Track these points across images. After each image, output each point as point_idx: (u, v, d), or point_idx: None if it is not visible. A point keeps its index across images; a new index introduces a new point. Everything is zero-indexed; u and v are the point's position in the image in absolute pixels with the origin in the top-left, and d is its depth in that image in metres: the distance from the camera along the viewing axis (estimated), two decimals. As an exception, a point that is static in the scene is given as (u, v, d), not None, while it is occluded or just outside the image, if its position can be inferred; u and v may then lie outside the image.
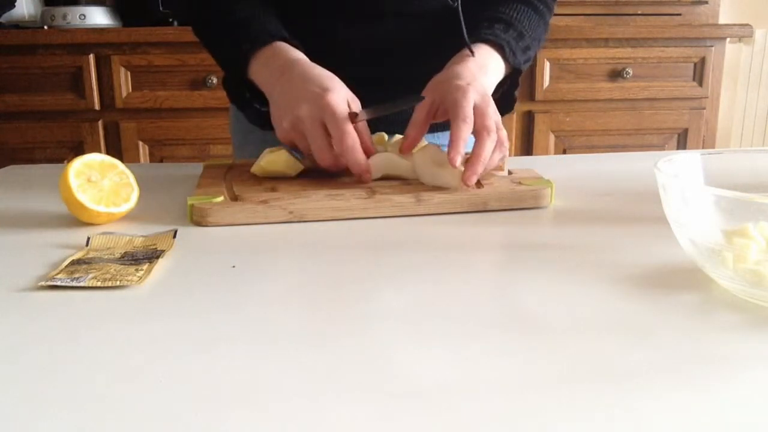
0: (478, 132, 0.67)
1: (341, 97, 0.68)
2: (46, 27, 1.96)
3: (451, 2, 0.83)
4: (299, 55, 0.74)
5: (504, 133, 0.69)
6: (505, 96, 0.82)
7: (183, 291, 0.46)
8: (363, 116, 0.70)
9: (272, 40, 0.75)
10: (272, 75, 0.73)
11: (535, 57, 1.65)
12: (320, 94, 0.67)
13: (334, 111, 0.66)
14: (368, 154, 0.69)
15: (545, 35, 0.85)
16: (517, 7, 0.80)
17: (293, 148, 0.74)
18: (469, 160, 0.66)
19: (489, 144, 0.66)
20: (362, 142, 0.68)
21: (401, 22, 0.85)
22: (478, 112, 0.67)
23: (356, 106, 0.70)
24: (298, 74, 0.71)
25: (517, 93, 0.83)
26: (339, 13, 0.85)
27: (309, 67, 0.72)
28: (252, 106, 0.80)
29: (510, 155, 0.82)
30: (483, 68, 0.74)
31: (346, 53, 0.85)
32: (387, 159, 0.70)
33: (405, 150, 0.71)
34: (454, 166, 0.66)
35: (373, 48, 0.86)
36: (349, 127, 0.66)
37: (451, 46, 0.81)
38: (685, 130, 2.07)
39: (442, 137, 0.94)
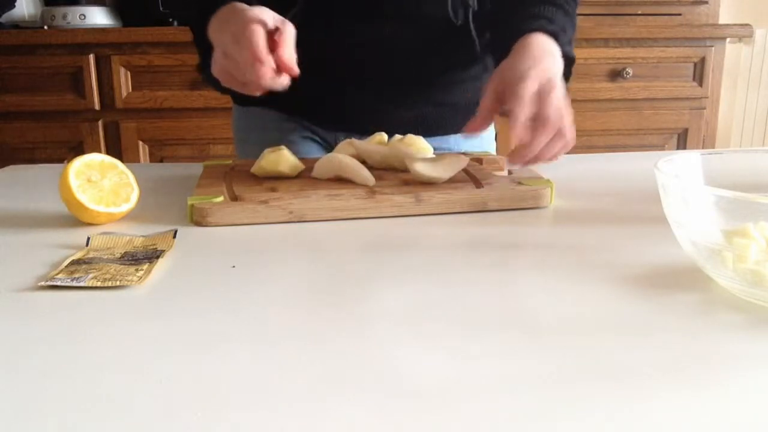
0: (536, 120, 0.65)
1: (261, 12, 0.66)
2: (46, 27, 1.96)
3: (454, 20, 0.83)
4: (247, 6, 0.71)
5: (568, 122, 0.67)
6: None
7: (183, 291, 0.46)
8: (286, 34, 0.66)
9: (231, 2, 0.71)
10: (220, 23, 0.70)
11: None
12: (247, 17, 0.65)
13: (246, 23, 0.64)
14: (288, 71, 0.65)
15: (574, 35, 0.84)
16: (549, 9, 0.79)
17: (227, 90, 0.71)
18: (519, 146, 0.65)
19: (544, 134, 0.65)
20: (285, 54, 0.65)
21: (400, 24, 0.85)
22: (539, 98, 0.65)
23: (286, 28, 0.67)
24: (239, 10, 0.68)
25: (569, 84, 0.79)
26: (338, 13, 0.85)
27: (249, 7, 0.69)
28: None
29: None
30: (546, 52, 0.72)
31: (345, 54, 0.85)
32: (360, 147, 0.71)
33: (469, 130, 0.71)
34: (510, 163, 0.67)
35: (371, 49, 0.86)
36: (254, 37, 0.63)
37: (453, 52, 0.80)
38: (685, 130, 2.07)
39: (444, 141, 0.95)
